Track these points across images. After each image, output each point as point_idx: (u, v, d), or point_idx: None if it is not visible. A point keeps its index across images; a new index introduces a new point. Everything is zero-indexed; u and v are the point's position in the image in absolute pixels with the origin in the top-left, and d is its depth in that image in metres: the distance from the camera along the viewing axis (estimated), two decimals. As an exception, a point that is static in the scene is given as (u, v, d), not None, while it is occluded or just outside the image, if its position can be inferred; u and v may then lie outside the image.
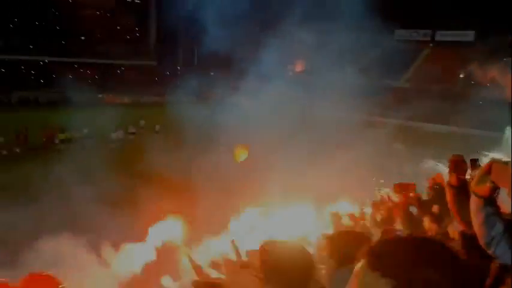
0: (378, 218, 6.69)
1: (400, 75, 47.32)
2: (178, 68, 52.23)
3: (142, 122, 32.08)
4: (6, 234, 11.06)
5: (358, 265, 1.09)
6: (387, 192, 7.65)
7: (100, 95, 40.57)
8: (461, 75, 44.01)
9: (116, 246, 7.13)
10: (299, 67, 41.55)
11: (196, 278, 4.93)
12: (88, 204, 12.69)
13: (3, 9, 44.23)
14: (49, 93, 41.33)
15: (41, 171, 17.38)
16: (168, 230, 6.37)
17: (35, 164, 19.59)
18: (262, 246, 1.99)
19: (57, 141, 26.65)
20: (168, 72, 49.43)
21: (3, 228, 11.23)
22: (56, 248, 8.42)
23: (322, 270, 3.33)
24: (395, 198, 7.03)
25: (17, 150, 24.22)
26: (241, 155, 12.89)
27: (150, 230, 6.37)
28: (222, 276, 4.94)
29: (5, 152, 23.53)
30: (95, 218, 11.76)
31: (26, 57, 45.57)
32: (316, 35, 24.07)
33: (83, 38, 49.23)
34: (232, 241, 6.16)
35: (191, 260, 5.41)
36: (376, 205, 7.31)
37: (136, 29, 55.63)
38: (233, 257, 5.67)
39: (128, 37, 54.17)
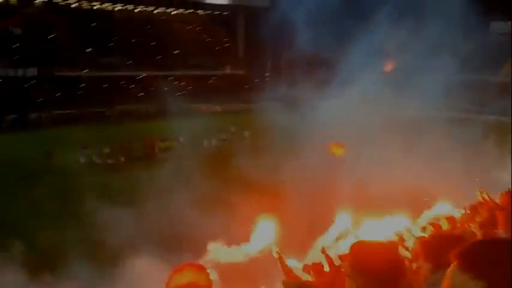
0: (478, 220, 6.31)
1: (498, 69, 44.11)
2: (266, 75, 52.97)
3: (233, 129, 32.99)
4: (110, 239, 11.68)
5: (450, 267, 1.09)
6: (488, 193, 7.18)
7: (194, 105, 42.27)
8: None
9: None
10: (389, 66, 40.13)
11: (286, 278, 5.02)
12: (187, 209, 13.28)
13: (103, 31, 48.01)
14: (148, 105, 43.84)
15: (145, 179, 18.53)
16: (264, 235, 6.48)
17: (138, 172, 20.93)
18: (352, 246, 2.03)
19: (157, 150, 28.14)
20: (256, 80, 50.28)
21: (106, 232, 11.94)
22: (149, 258, 8.87)
23: (419, 274, 3.27)
24: (497, 199, 6.59)
25: (122, 159, 25.87)
26: (338, 151, 12.97)
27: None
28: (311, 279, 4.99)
29: (111, 161, 25.35)
30: (194, 221, 12.30)
31: (125, 73, 48.63)
32: (407, 32, 23.17)
33: (176, 52, 51.74)
34: (323, 247, 6.16)
35: (282, 262, 5.48)
36: (475, 207, 6.90)
37: (225, 40, 57.35)
38: (324, 262, 5.69)
39: (218, 48, 56.00)
